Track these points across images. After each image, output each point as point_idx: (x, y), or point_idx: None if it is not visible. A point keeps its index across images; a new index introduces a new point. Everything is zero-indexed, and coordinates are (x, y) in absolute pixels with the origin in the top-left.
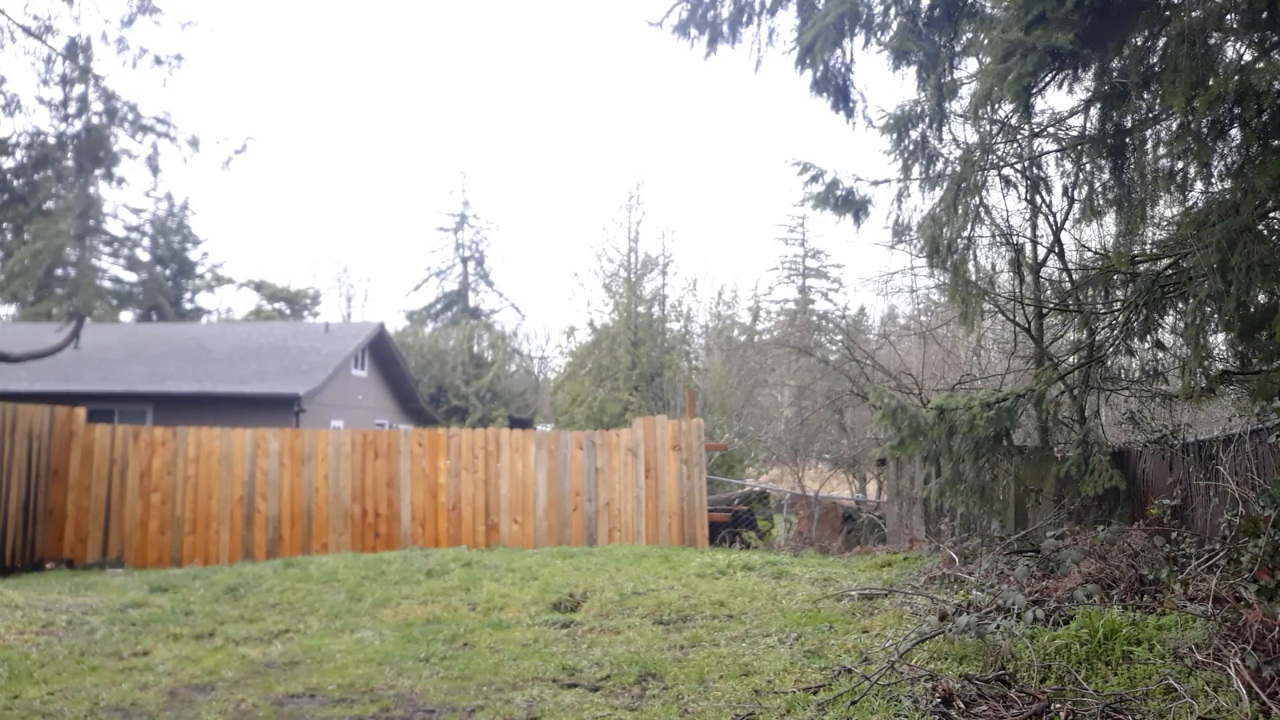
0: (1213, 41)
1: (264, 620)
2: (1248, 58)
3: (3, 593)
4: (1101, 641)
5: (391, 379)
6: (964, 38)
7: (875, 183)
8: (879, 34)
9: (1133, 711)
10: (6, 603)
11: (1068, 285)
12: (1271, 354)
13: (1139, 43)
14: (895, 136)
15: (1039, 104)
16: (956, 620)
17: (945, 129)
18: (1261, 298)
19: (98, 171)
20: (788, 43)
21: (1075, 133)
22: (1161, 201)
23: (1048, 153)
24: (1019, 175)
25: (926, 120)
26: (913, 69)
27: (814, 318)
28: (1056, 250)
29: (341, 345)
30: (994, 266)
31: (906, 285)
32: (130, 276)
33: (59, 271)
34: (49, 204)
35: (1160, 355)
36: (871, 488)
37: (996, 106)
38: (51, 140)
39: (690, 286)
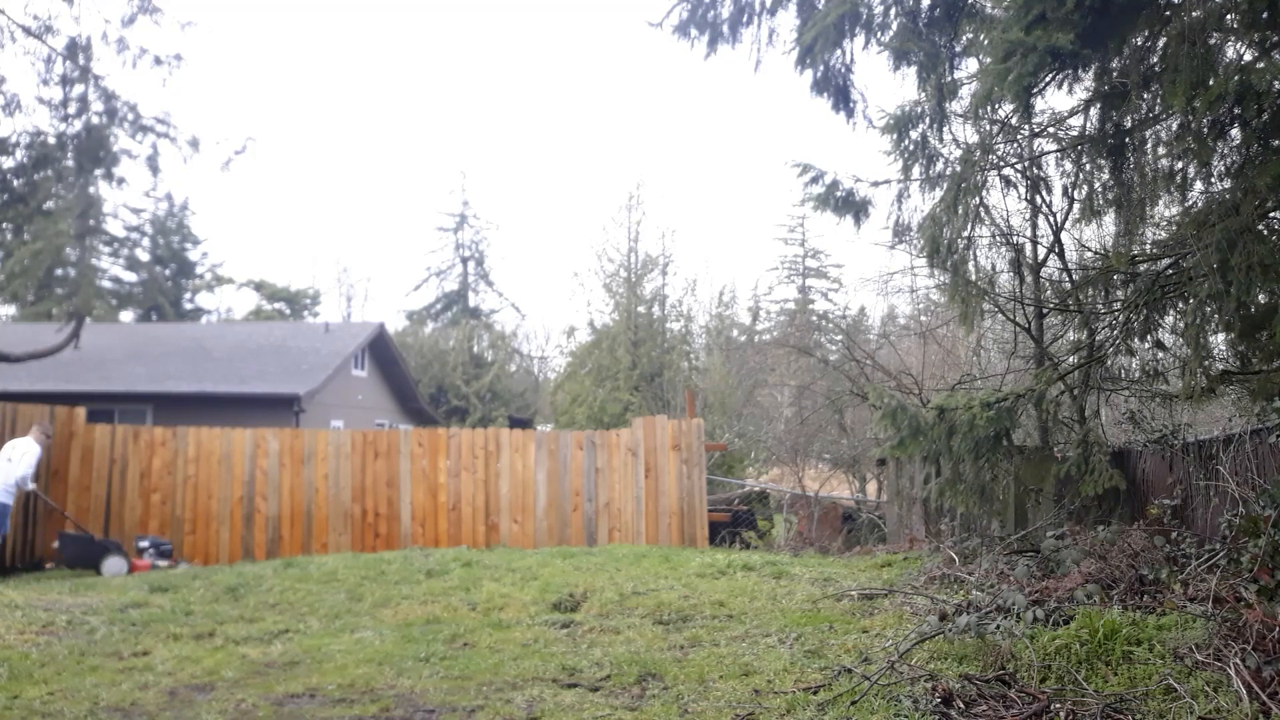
0: (1213, 41)
1: (264, 620)
2: (1248, 58)
3: (3, 593)
4: (1101, 641)
5: (391, 379)
6: (964, 38)
7: (875, 183)
8: (879, 34)
9: (1133, 711)
10: (6, 603)
11: (1068, 285)
12: (1271, 354)
13: (1139, 43)
14: (895, 137)
15: (1039, 104)
16: (956, 620)
17: (945, 129)
18: (1261, 298)
19: (98, 171)
20: (788, 43)
21: (1075, 133)
22: (1161, 201)
23: (1048, 153)
24: (1019, 175)
25: (927, 120)
26: (913, 69)
27: (814, 318)
28: (1056, 250)
29: (341, 345)
30: (994, 266)
31: (906, 285)
32: (130, 276)
33: (59, 271)
34: (49, 204)
35: (1160, 355)
36: (871, 488)
37: (996, 106)
38: (51, 140)
39: (690, 287)
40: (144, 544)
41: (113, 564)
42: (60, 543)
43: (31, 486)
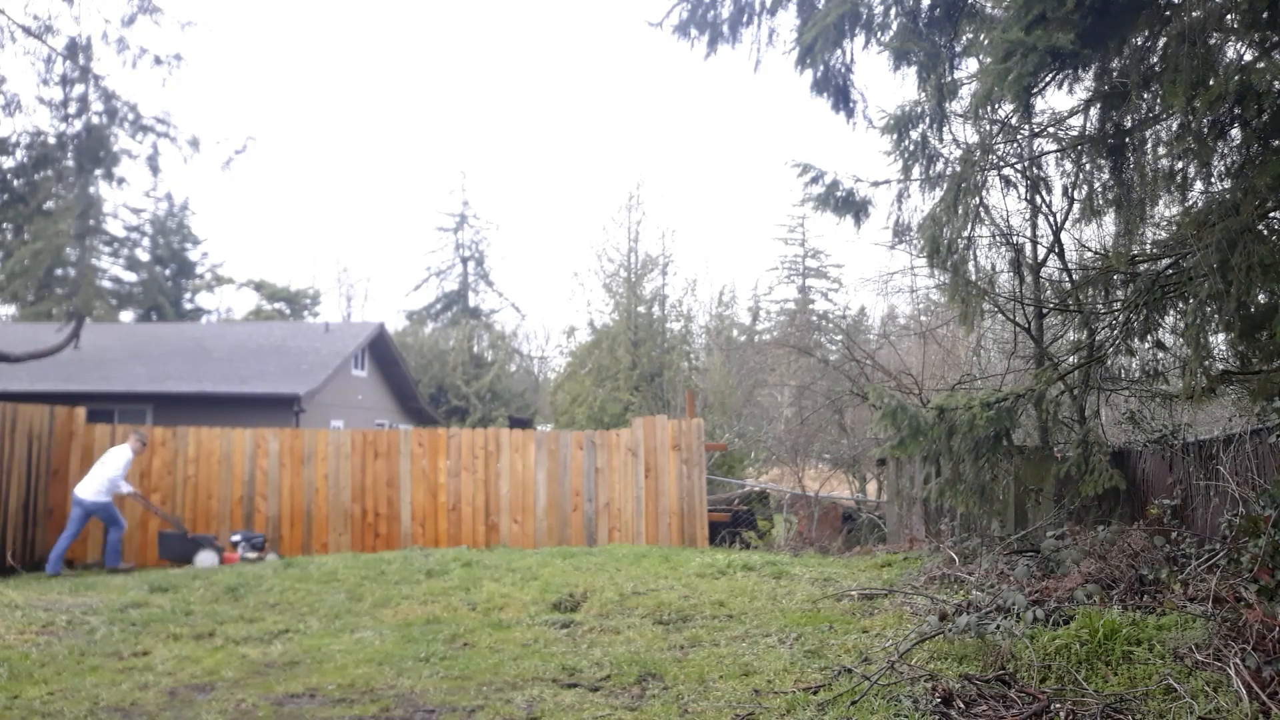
0: (1213, 41)
1: (264, 620)
2: (1248, 57)
3: (3, 593)
4: (1101, 641)
5: (391, 379)
6: (964, 38)
7: (875, 183)
8: (879, 34)
9: (1133, 711)
10: (6, 603)
11: (1068, 285)
12: (1271, 354)
13: (1139, 43)
14: (895, 137)
15: (1039, 104)
16: (956, 620)
17: (945, 129)
18: (1261, 298)
19: (98, 171)
20: (788, 43)
21: (1075, 133)
22: (1161, 201)
23: (1048, 153)
24: (1019, 175)
25: (927, 120)
26: (913, 69)
27: (814, 318)
28: (1056, 250)
29: (341, 345)
30: (994, 266)
31: (906, 285)
32: (130, 276)
33: (59, 271)
34: (49, 204)
35: (1160, 355)
36: (871, 488)
37: (996, 106)
38: (51, 140)
39: (690, 286)
40: (236, 538)
41: (205, 557)
42: (160, 540)
43: (126, 488)
